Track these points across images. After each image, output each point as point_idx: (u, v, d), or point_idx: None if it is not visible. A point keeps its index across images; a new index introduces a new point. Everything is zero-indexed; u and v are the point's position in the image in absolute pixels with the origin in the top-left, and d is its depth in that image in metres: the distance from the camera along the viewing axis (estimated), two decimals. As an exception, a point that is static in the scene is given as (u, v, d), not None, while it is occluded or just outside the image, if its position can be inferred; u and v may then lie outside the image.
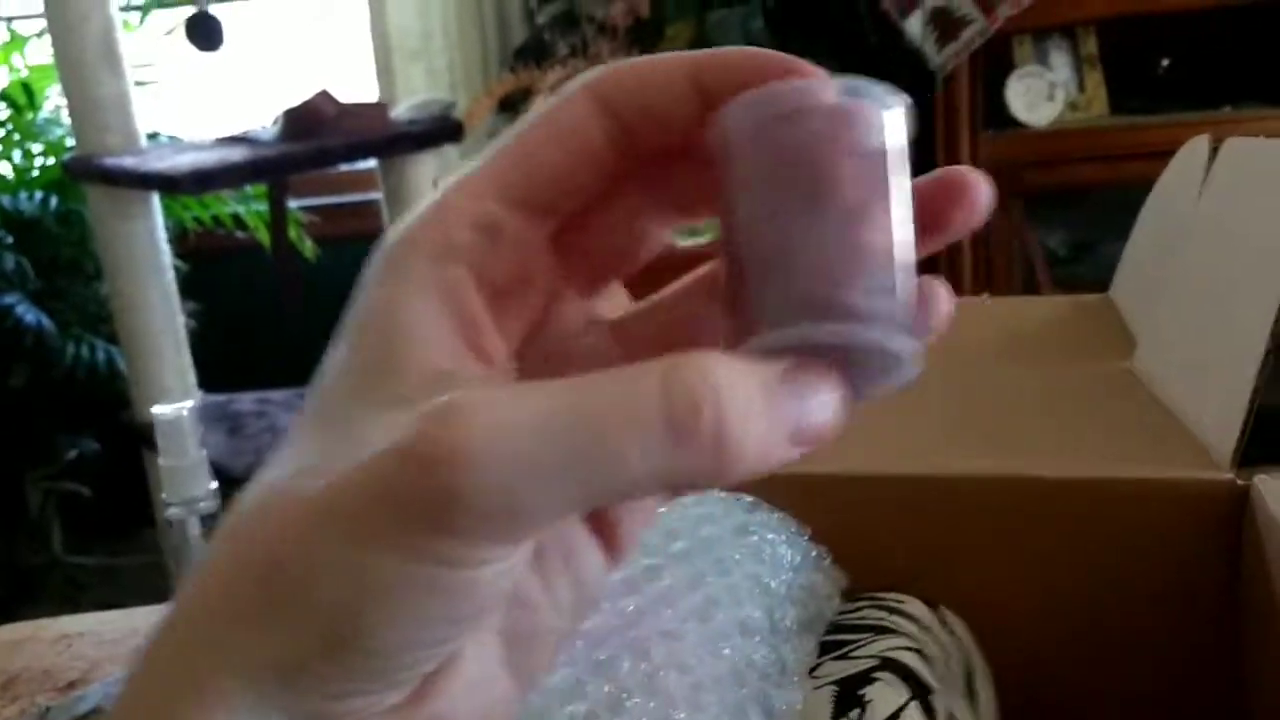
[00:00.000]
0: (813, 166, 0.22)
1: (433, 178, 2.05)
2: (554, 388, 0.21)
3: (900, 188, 0.23)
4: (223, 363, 2.23)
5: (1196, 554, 0.52)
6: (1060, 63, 2.14)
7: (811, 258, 0.22)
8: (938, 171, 0.25)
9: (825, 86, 0.23)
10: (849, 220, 0.22)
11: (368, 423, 0.21)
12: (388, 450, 0.20)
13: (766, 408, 0.21)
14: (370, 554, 0.20)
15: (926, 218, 0.24)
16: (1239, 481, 0.51)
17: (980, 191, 0.24)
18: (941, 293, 0.24)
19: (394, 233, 0.24)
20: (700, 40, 2.15)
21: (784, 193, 0.22)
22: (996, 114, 2.10)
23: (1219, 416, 0.53)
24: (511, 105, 2.20)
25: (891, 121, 0.23)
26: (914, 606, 0.53)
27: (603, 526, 0.26)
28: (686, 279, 0.28)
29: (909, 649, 0.49)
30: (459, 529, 0.20)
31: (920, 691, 0.47)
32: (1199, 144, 0.71)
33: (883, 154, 0.23)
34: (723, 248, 0.23)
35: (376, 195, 2.20)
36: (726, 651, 0.44)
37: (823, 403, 0.22)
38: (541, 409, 0.20)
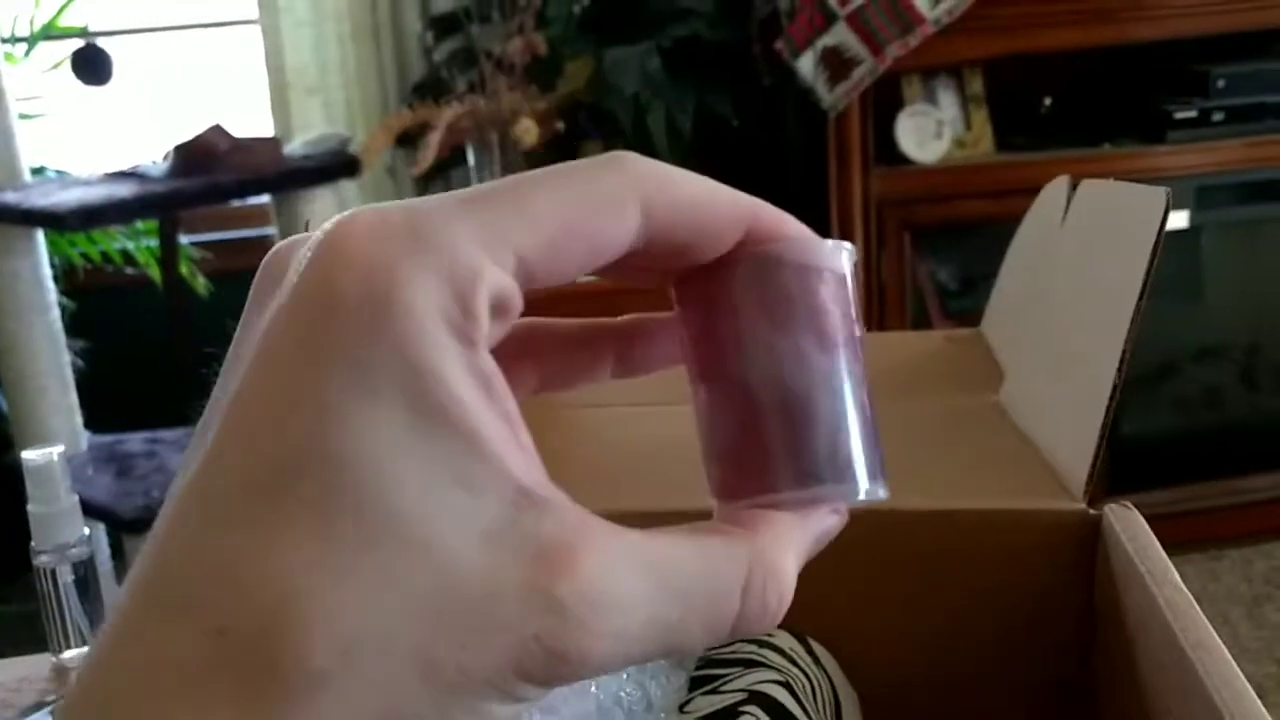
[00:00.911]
0: (829, 323, 0.24)
1: (308, 218, 2.02)
2: (651, 583, 0.21)
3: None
4: (112, 402, 2.17)
5: (1053, 583, 0.54)
6: (948, 101, 2.20)
7: (828, 411, 0.24)
8: None
9: (830, 248, 0.25)
10: (856, 377, 0.25)
11: (458, 542, 0.20)
12: (532, 632, 0.20)
13: (797, 570, 0.24)
14: (481, 704, 0.20)
15: None
16: (1091, 511, 0.53)
17: None
18: None
19: (398, 277, 0.20)
20: (598, 78, 2.17)
21: (801, 347, 0.24)
22: (887, 151, 2.15)
23: (1073, 448, 0.55)
24: (409, 140, 2.19)
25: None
26: (783, 639, 0.53)
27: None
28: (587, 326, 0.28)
29: (777, 682, 0.50)
30: (547, 690, 0.21)
31: (787, 725, 0.47)
32: (1059, 184, 0.73)
33: (854, 310, 0.25)
34: (717, 387, 0.25)
35: (270, 231, 2.17)
36: (593, 689, 0.44)
37: (829, 538, 0.26)
38: (645, 612, 0.21)
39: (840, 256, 0.25)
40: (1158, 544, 0.49)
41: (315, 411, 0.19)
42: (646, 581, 0.21)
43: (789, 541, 0.24)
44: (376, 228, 0.20)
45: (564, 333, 0.28)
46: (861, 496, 0.25)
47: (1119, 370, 0.53)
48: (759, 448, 0.24)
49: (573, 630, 0.20)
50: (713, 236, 0.24)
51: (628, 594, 0.21)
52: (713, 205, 0.24)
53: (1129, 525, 0.51)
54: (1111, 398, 0.53)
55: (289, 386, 0.20)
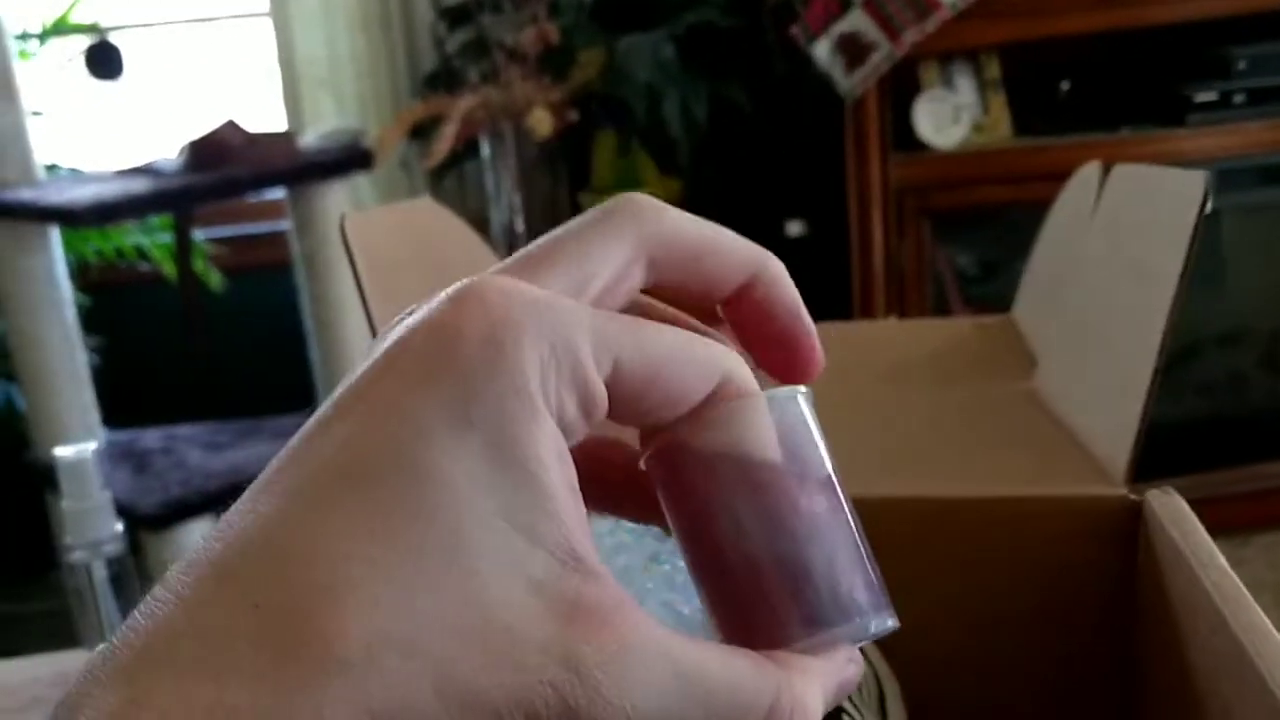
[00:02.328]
0: (805, 490, 0.25)
1: (342, 211, 2.02)
2: (680, 686, 0.22)
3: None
4: (127, 398, 2.18)
5: (1093, 569, 0.54)
6: (965, 86, 2.19)
7: (821, 561, 0.25)
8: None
9: (784, 400, 0.26)
10: (841, 517, 0.25)
11: (503, 579, 0.21)
12: (547, 678, 0.21)
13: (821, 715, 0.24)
14: None
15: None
16: (1132, 497, 0.53)
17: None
18: None
19: (519, 333, 0.22)
20: (611, 67, 2.16)
21: (783, 517, 0.25)
22: (904, 137, 2.13)
23: (1112, 434, 0.55)
24: (422, 132, 2.19)
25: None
26: (824, 630, 0.53)
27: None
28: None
29: (820, 673, 0.49)
30: None
31: (831, 715, 0.47)
32: (1091, 169, 0.73)
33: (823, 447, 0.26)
34: (705, 550, 0.25)
35: (284, 225, 2.17)
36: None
37: (850, 687, 0.25)
38: (663, 706, 0.22)
39: (798, 406, 0.26)
40: (1202, 529, 0.48)
41: (412, 425, 0.21)
42: (667, 674, 0.22)
43: (817, 682, 0.24)
44: (510, 290, 0.22)
45: (628, 462, 0.29)
46: (871, 630, 0.25)
47: (1159, 355, 0.53)
48: (759, 606, 0.25)
49: (586, 690, 0.21)
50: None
51: (646, 677, 0.21)
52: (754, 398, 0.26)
53: (1172, 510, 0.50)
54: (1152, 383, 0.52)
55: (394, 396, 0.21)
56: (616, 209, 0.25)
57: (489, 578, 0.20)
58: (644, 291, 0.26)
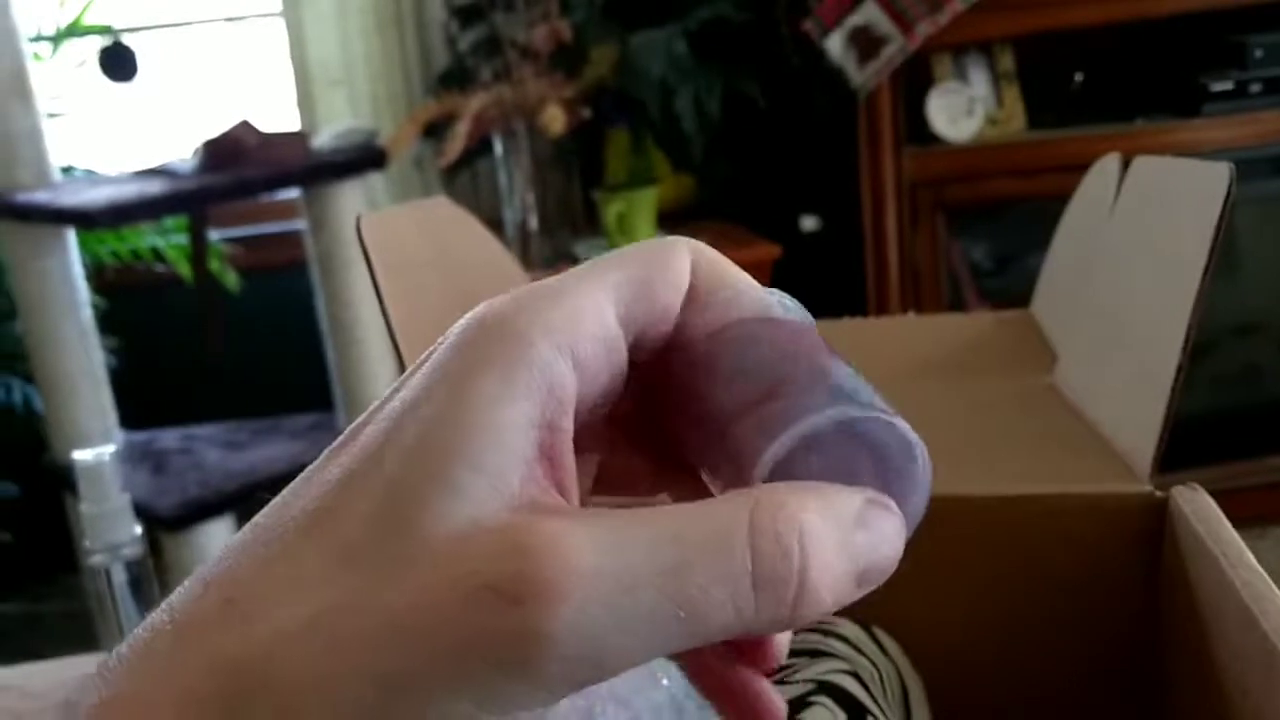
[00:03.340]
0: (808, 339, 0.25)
1: (356, 210, 2.02)
2: (640, 533, 0.20)
3: None
4: (145, 399, 2.19)
5: (1117, 566, 0.53)
6: (979, 79, 2.18)
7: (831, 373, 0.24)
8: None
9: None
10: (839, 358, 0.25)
11: (439, 533, 0.20)
12: (474, 580, 0.19)
13: (843, 555, 0.21)
14: (436, 694, 0.19)
15: None
16: (1158, 494, 0.52)
17: None
18: None
19: (521, 305, 0.22)
20: (624, 63, 2.16)
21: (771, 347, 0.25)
22: (918, 130, 2.12)
23: (1137, 430, 0.54)
24: (435, 131, 2.19)
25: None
26: (848, 628, 0.53)
27: None
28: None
29: (844, 671, 0.49)
30: (539, 675, 0.19)
31: (857, 714, 0.47)
32: (1110, 162, 0.72)
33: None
34: (709, 415, 0.24)
35: (300, 224, 2.18)
36: (665, 683, 0.44)
37: (890, 540, 0.22)
38: (633, 556, 0.19)
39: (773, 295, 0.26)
40: (1229, 525, 0.48)
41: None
42: (630, 550, 0.20)
43: (797, 490, 0.21)
44: (518, 295, 0.23)
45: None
46: (889, 421, 0.23)
47: (1184, 351, 0.52)
48: (750, 435, 0.23)
49: (539, 578, 0.19)
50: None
51: (605, 557, 0.19)
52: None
53: (1198, 507, 0.50)
54: (1177, 379, 0.52)
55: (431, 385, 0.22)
56: (674, 239, 0.26)
57: (418, 537, 0.19)
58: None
